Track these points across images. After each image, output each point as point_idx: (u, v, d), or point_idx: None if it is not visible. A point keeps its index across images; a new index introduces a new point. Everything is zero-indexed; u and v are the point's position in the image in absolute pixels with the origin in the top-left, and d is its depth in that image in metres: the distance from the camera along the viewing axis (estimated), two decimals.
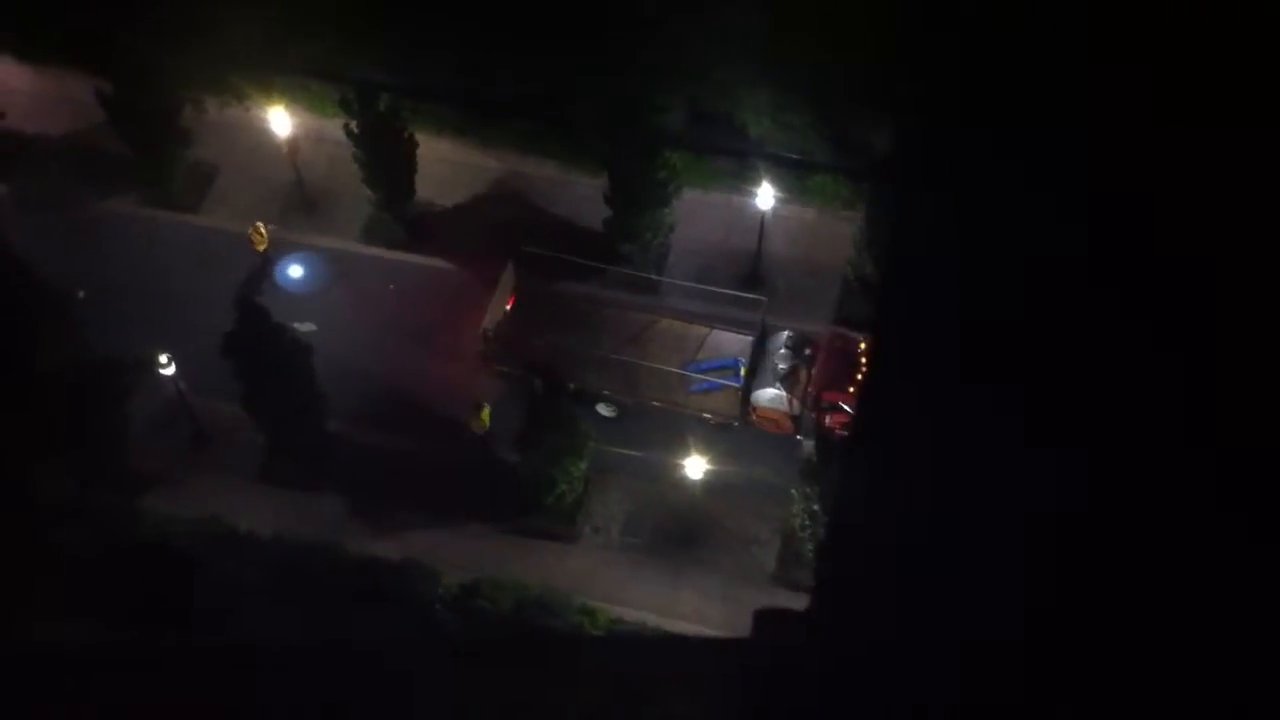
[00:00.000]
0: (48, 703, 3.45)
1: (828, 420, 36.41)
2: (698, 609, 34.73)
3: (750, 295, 38.26)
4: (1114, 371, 1.95)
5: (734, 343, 37.47)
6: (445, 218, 41.38)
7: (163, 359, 35.60)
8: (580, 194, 40.52)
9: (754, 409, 36.82)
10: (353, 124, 37.70)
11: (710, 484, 35.39)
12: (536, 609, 34.92)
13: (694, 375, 37.21)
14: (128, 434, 36.57)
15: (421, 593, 35.17)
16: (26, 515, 33.58)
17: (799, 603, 3.13)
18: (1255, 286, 1.79)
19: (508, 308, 38.13)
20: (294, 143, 40.43)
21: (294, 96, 42.02)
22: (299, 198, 41.61)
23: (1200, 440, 1.90)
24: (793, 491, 34.20)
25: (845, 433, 35.98)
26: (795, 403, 36.29)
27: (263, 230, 40.02)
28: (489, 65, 40.71)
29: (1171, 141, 1.75)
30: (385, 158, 38.67)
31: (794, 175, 40.62)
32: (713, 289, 38.74)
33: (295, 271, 40.62)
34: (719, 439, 36.70)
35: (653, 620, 34.91)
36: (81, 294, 38.56)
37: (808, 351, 36.90)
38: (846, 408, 35.91)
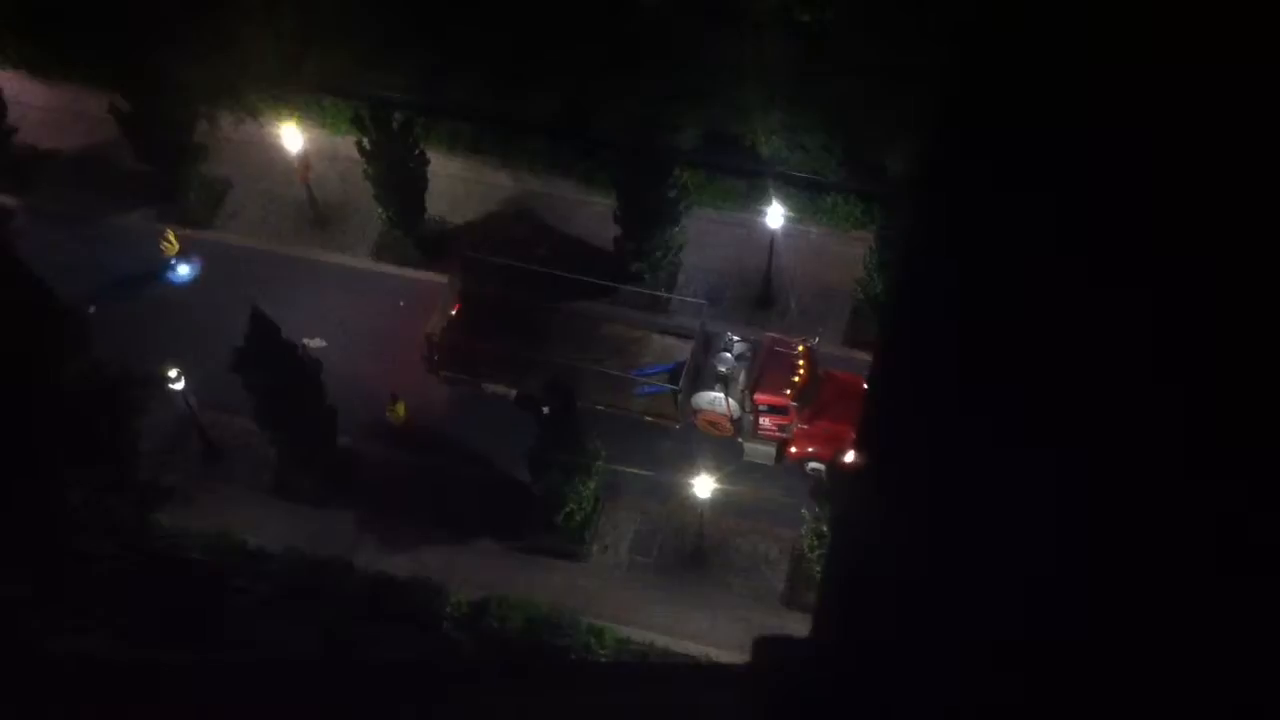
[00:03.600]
0: (54, 712, 3.43)
1: (764, 422, 36.64)
2: (706, 629, 34.65)
3: (692, 300, 38.56)
4: (1115, 373, 1.93)
5: (676, 347, 37.62)
6: (457, 235, 41.45)
7: (172, 373, 35.68)
8: (593, 212, 40.59)
9: (695, 411, 36.97)
10: (365, 141, 37.81)
11: (719, 504, 35.37)
12: (545, 628, 34.89)
13: (636, 379, 37.37)
14: (139, 448, 36.63)
15: (431, 610, 35.18)
16: (39, 527, 33.62)
17: (807, 624, 3.10)
18: (1258, 285, 1.78)
19: (453, 313, 38.27)
20: (306, 159, 40.57)
21: (307, 113, 42.18)
22: (311, 214, 41.72)
23: (1202, 440, 1.88)
24: (803, 512, 34.15)
25: (780, 435, 36.67)
26: (734, 405, 36.45)
27: (172, 237, 40.31)
28: (503, 83, 40.84)
29: (1173, 140, 1.73)
30: (397, 175, 38.77)
31: (805, 195, 40.68)
32: (655, 293, 38.92)
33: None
34: (728, 459, 36.80)
35: (661, 640, 34.83)
36: (93, 308, 38.67)
37: (748, 355, 37.07)
38: (778, 409, 36.26)
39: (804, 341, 37.11)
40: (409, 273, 41.01)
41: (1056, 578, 2.13)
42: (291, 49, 40.02)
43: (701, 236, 40.18)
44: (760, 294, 39.83)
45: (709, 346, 37.65)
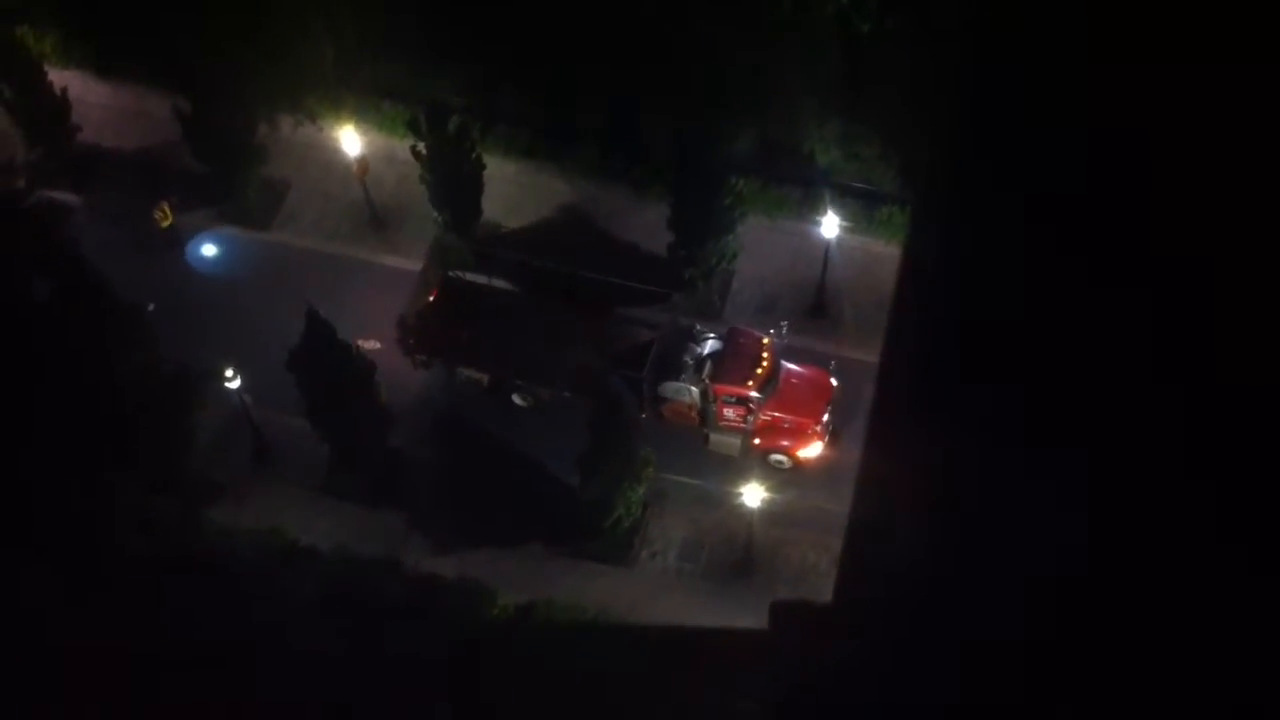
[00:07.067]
0: (93, 698, 3.51)
1: (726, 413, 36.69)
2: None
3: (662, 290, 38.61)
4: (1114, 374, 1.95)
5: (645, 337, 37.53)
6: (512, 239, 41.54)
7: (229, 372, 35.98)
8: (647, 218, 40.52)
9: (661, 401, 37.09)
10: (420, 145, 37.99)
11: (768, 512, 35.24)
12: (591, 632, 34.88)
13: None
14: (193, 445, 36.97)
15: (477, 611, 35.26)
16: (92, 520, 33.98)
17: None
18: (1257, 284, 1.79)
19: (430, 299, 38.44)
20: (364, 162, 40.80)
21: (365, 117, 42.47)
22: (368, 216, 41.98)
23: (1202, 440, 1.90)
24: None
25: (743, 426, 36.80)
26: (698, 395, 36.49)
27: (167, 209, 40.84)
28: (559, 89, 40.91)
29: (1172, 140, 1.75)
30: (452, 178, 38.93)
31: (861, 206, 40.51)
32: (627, 284, 38.92)
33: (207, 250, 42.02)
34: (777, 469, 36.78)
35: None
36: (152, 306, 39.01)
37: (716, 346, 37.08)
38: (739, 400, 36.29)
39: (768, 334, 37.10)
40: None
41: (1056, 578, 2.14)
42: (348, 53, 40.27)
43: (756, 245, 40.08)
44: (813, 303, 39.68)
45: (680, 337, 37.56)
